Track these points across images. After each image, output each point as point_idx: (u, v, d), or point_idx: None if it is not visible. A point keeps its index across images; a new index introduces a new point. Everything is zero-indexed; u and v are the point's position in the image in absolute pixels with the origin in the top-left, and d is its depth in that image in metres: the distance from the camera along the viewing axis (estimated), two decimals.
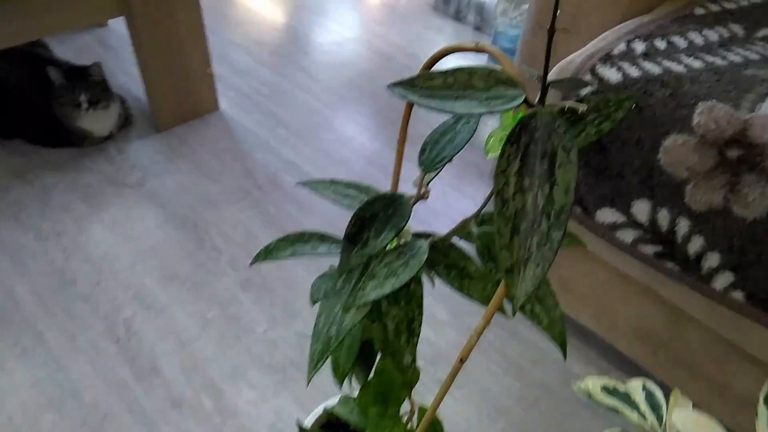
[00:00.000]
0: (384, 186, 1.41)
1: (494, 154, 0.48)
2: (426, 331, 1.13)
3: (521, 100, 0.44)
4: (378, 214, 0.63)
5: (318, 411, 0.81)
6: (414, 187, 0.68)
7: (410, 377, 0.73)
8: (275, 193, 1.40)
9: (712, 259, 0.80)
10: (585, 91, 0.86)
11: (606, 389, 0.62)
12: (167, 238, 1.28)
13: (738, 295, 0.79)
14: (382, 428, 0.72)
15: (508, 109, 0.44)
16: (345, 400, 0.78)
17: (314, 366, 0.63)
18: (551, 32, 0.41)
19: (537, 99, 0.45)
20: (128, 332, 1.11)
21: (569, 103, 0.45)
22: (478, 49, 0.51)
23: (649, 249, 0.87)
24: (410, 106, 0.63)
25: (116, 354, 1.08)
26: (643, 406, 0.60)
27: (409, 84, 0.46)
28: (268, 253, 0.72)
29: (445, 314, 1.16)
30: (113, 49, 1.86)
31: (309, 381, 0.58)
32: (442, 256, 0.69)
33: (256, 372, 1.05)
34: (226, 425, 0.98)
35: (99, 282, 1.20)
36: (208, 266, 1.23)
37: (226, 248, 1.26)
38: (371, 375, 0.78)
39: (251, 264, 0.72)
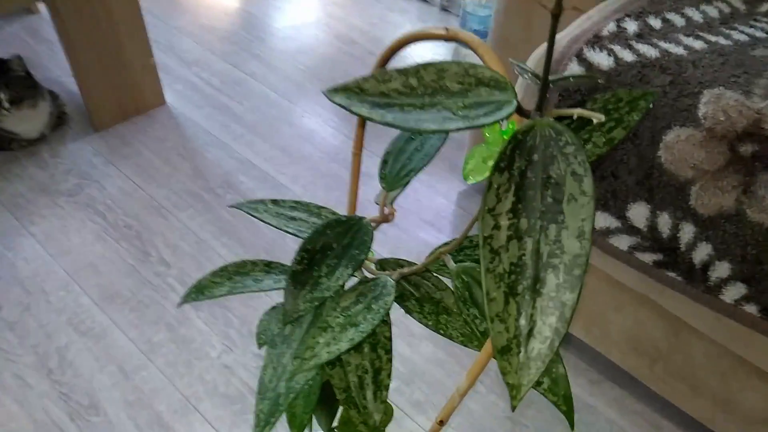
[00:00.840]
0: (348, 189, 1.29)
1: (476, 178, 0.37)
2: (400, 347, 1.03)
3: (512, 108, 0.32)
4: (331, 245, 0.51)
5: None
6: (377, 205, 0.57)
7: (380, 429, 0.62)
8: (229, 196, 1.27)
9: (721, 269, 0.70)
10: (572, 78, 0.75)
11: None
12: (107, 251, 1.14)
13: (751, 308, 0.70)
14: None
15: (494, 121, 0.32)
16: None
17: (261, 429, 0.51)
18: (556, 12, 0.30)
19: (535, 106, 0.34)
20: (62, 363, 0.98)
21: (580, 111, 0.34)
22: (448, 37, 0.40)
23: (648, 257, 0.77)
24: (362, 120, 0.52)
25: (48, 390, 0.95)
26: None
27: (354, 90, 0.34)
28: (199, 292, 0.60)
29: (419, 326, 1.06)
30: (45, 39, 1.69)
31: None
32: (413, 288, 0.57)
33: (210, 403, 0.93)
34: None
35: (28, 306, 1.05)
36: (154, 282, 1.10)
37: (174, 261, 1.13)
38: (335, 422, 0.67)
39: (179, 305, 0.60)
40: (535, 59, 0.80)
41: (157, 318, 1.04)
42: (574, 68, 0.75)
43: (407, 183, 0.54)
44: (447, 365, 1.00)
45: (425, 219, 1.24)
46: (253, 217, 1.19)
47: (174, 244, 1.16)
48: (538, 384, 0.42)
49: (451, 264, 0.49)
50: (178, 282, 1.10)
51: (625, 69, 0.72)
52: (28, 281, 1.09)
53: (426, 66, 0.33)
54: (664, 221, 0.73)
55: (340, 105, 0.33)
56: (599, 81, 0.39)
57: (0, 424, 0.91)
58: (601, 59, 0.74)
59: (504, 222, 0.29)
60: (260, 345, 0.68)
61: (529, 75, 0.37)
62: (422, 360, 1.01)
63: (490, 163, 0.37)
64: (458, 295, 0.46)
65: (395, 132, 0.61)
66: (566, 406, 0.42)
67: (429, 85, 0.33)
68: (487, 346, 0.40)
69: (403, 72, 0.33)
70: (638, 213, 0.75)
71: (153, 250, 1.15)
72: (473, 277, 0.47)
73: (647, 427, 0.94)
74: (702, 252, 0.71)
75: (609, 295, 0.89)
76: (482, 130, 0.43)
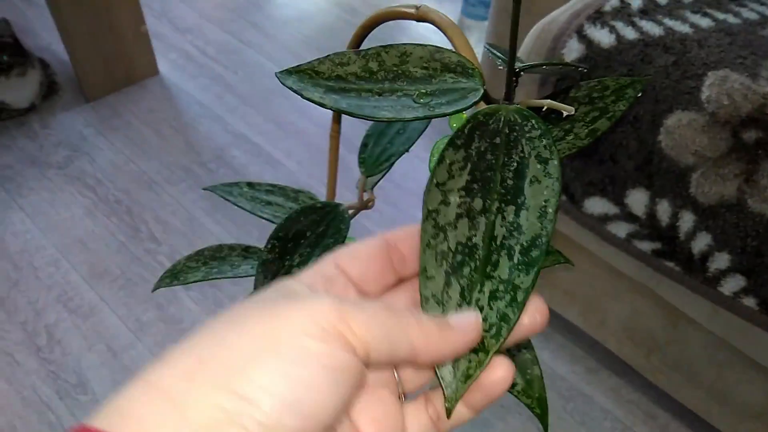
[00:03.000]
0: (351, 166, 1.26)
1: None
2: None
3: (477, 97, 0.29)
4: (305, 233, 0.48)
5: None
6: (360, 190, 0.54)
7: None
8: (222, 170, 1.24)
9: (721, 260, 0.67)
10: (575, 59, 0.71)
11: None
12: (97, 227, 1.13)
13: (749, 301, 0.68)
14: None
15: (456, 111, 0.29)
16: None
17: None
18: None
19: (502, 98, 0.31)
20: (50, 341, 0.97)
21: (549, 103, 0.31)
22: (418, 17, 0.36)
23: (646, 245, 0.74)
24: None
25: (36, 368, 0.94)
26: None
27: (308, 72, 0.31)
28: (174, 277, 0.58)
29: None
30: (34, 3, 1.64)
31: None
32: None
33: None
34: None
35: (17, 282, 1.04)
36: (144, 260, 1.08)
37: (164, 238, 1.11)
38: None
39: (153, 290, 0.58)
40: (534, 35, 0.76)
41: (147, 297, 1.03)
42: (574, 45, 0.71)
43: (389, 168, 0.51)
44: None
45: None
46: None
47: (165, 221, 1.14)
48: (512, 386, 0.39)
49: None
50: (168, 260, 1.08)
51: (627, 47, 0.68)
52: (16, 256, 1.08)
53: (388, 48, 0.30)
54: (664, 209, 0.70)
55: (291, 89, 0.30)
56: (578, 68, 0.35)
57: None
58: (602, 36, 0.70)
59: (454, 199, 0.27)
60: None
61: (501, 60, 0.34)
62: None
63: None
64: None
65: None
66: (540, 409, 0.40)
67: (390, 69, 0.30)
68: None
69: (363, 54, 0.30)
70: (637, 200, 0.72)
71: (143, 226, 1.13)
72: None
73: (642, 417, 0.92)
74: (701, 242, 0.68)
75: (607, 282, 0.86)
76: (448, 119, 0.40)
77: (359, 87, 0.30)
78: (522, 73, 0.30)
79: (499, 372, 0.24)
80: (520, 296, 0.25)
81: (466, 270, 0.26)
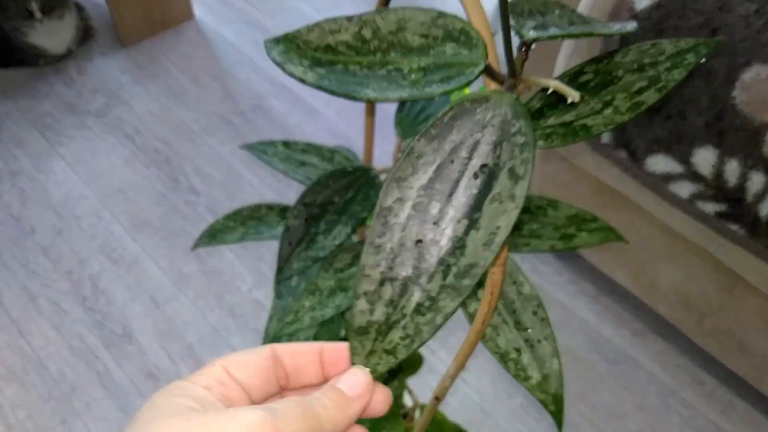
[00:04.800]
0: (390, 114, 1.22)
1: None
2: None
3: (475, 74, 0.25)
4: (333, 198, 0.46)
5: None
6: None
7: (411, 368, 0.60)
8: (260, 120, 1.21)
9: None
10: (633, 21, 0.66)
11: None
12: (136, 177, 1.12)
13: None
14: (379, 429, 0.59)
15: (447, 91, 0.26)
16: None
17: None
18: None
19: (506, 73, 0.27)
20: (95, 291, 0.98)
21: (555, 85, 0.27)
22: None
23: (710, 207, 0.70)
24: None
25: (83, 317, 0.95)
26: None
27: (296, 42, 0.27)
28: (212, 237, 0.56)
29: None
30: None
31: None
32: None
33: (241, 338, 0.93)
34: None
35: (60, 231, 1.05)
36: (184, 211, 1.08)
37: (204, 189, 1.10)
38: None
39: (193, 249, 0.57)
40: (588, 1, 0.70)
41: (187, 248, 1.02)
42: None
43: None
44: None
45: None
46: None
47: (204, 171, 1.13)
48: (525, 379, 0.37)
49: None
50: (207, 211, 1.07)
51: None
52: (59, 205, 1.08)
53: (386, 13, 0.26)
54: (732, 169, 0.66)
55: (274, 61, 0.26)
56: (597, 34, 0.29)
57: (39, 347, 0.92)
58: None
59: (412, 194, 0.24)
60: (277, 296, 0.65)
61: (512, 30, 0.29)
62: None
63: None
64: None
65: None
66: (555, 406, 0.37)
67: (385, 38, 0.26)
68: (472, 330, 0.35)
69: (357, 20, 0.26)
70: (704, 158, 0.67)
71: (182, 176, 1.12)
72: None
73: (689, 382, 0.90)
74: None
75: (662, 243, 0.83)
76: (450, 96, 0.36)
77: (348, 59, 0.26)
78: (533, 44, 0.26)
79: (380, 396, 0.26)
80: (439, 319, 0.24)
81: (402, 274, 0.24)
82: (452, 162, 0.24)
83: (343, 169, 0.44)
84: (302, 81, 0.25)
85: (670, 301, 0.86)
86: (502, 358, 0.36)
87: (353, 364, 0.25)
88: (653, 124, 0.70)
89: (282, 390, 0.27)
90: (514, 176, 0.24)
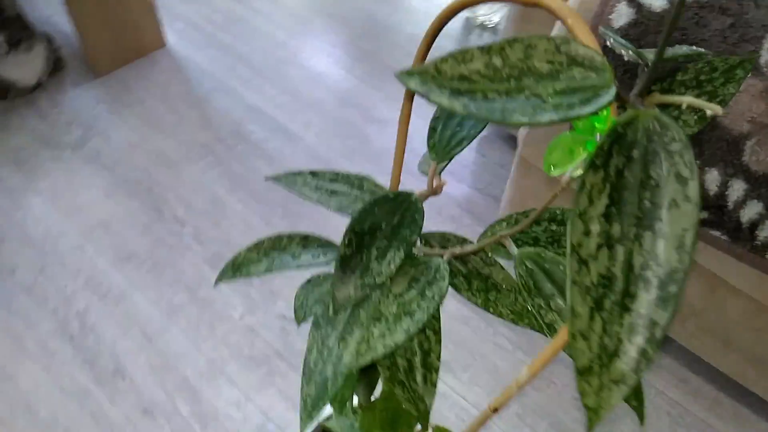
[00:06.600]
0: (370, 137, 1.24)
1: (560, 170, 0.33)
2: None
3: (611, 96, 0.28)
4: (380, 225, 0.48)
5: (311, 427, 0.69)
6: (422, 174, 0.52)
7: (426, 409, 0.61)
8: (240, 146, 1.22)
9: None
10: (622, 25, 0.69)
11: None
12: (118, 208, 1.11)
13: None
14: None
15: (593, 111, 0.28)
16: (343, 418, 0.66)
17: (309, 414, 0.49)
18: None
19: (636, 90, 0.29)
20: (83, 328, 0.97)
21: (691, 101, 0.29)
22: (528, 3, 0.34)
23: None
24: (412, 93, 0.46)
25: (72, 356, 0.94)
26: None
27: (432, 73, 0.29)
28: (236, 270, 0.57)
29: None
30: None
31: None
32: (460, 264, 0.54)
33: (236, 366, 0.92)
34: None
35: (43, 269, 1.03)
36: (169, 241, 1.07)
37: (188, 218, 1.10)
38: (376, 391, 0.65)
39: (216, 284, 0.57)
40: (576, 2, 0.73)
41: (175, 279, 1.02)
42: (623, 10, 0.69)
43: (460, 151, 0.50)
44: (472, 322, 0.98)
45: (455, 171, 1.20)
46: (263, 170, 1.14)
47: (186, 200, 1.12)
48: None
49: (513, 249, 0.45)
50: (194, 240, 1.07)
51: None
52: (39, 242, 1.06)
53: (512, 42, 0.29)
54: (713, 178, 0.69)
55: (416, 92, 0.28)
56: (707, 55, 0.33)
57: (27, 390, 0.90)
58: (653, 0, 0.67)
59: (595, 228, 0.26)
60: (299, 321, 0.65)
61: (630, 52, 0.32)
62: (447, 317, 1.00)
63: (579, 154, 0.33)
64: (522, 283, 0.43)
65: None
66: (637, 400, 0.40)
67: (515, 65, 0.29)
68: (555, 342, 0.37)
69: (486, 50, 0.29)
70: None
71: (165, 206, 1.11)
72: (537, 263, 0.43)
73: (674, 381, 0.94)
74: (751, 211, 0.68)
75: None
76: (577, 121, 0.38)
77: (485, 87, 0.28)
78: (647, 67, 0.29)
79: None
80: (657, 333, 0.25)
81: (607, 303, 0.26)
82: (620, 183, 0.26)
83: (386, 196, 0.45)
84: (451, 109, 0.27)
85: None
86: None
87: (585, 406, 0.25)
88: None
89: None
90: (682, 180, 0.25)
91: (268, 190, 1.14)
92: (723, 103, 0.35)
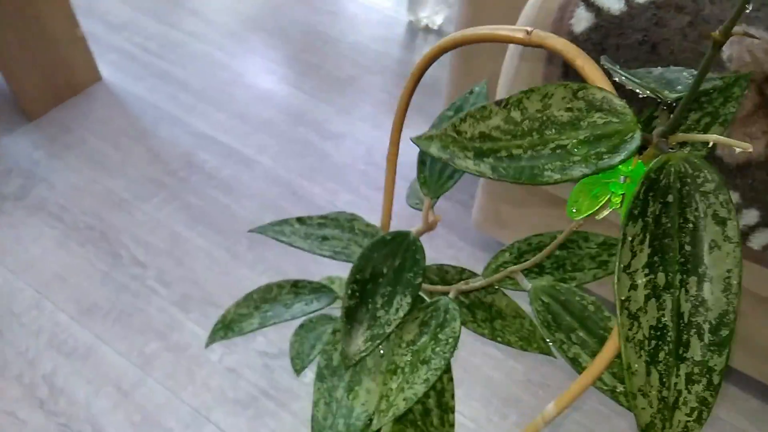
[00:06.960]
0: (329, 153, 1.21)
1: (583, 215, 0.31)
2: None
3: (638, 140, 0.27)
4: (381, 270, 0.45)
5: None
6: (413, 208, 0.50)
7: None
8: (193, 177, 1.17)
9: (749, 217, 0.68)
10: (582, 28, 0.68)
11: None
12: (73, 259, 1.05)
13: None
14: None
15: (625, 159, 0.27)
16: None
17: None
18: None
19: (657, 131, 0.28)
20: (53, 391, 0.91)
21: (717, 138, 0.28)
22: (529, 43, 0.32)
23: None
24: (400, 123, 0.44)
25: (44, 423, 0.88)
26: None
27: (451, 135, 0.28)
28: (227, 329, 0.54)
29: None
30: None
31: None
32: (462, 296, 0.53)
33: (222, 412, 0.88)
34: None
35: (0, 333, 0.96)
36: (132, 287, 1.01)
37: (149, 260, 1.05)
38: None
39: (207, 346, 0.54)
40: (536, 4, 0.72)
41: (144, 326, 0.97)
42: (582, 14, 0.68)
43: (454, 184, 0.48)
44: (469, 344, 0.97)
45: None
46: (221, 201, 1.10)
47: (144, 241, 1.07)
48: (613, 390, 0.39)
49: (526, 283, 0.44)
50: (158, 283, 1.02)
51: (639, 12, 0.66)
52: None
53: (529, 93, 0.27)
54: None
55: (439, 158, 0.27)
56: (743, 89, 0.33)
57: None
58: (611, 2, 0.67)
59: (641, 280, 0.26)
60: (298, 371, 0.62)
61: (648, 90, 0.30)
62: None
63: (604, 197, 0.32)
64: (540, 319, 0.42)
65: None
66: None
67: (534, 117, 0.27)
68: (583, 377, 0.36)
69: (503, 104, 0.27)
70: None
71: (123, 250, 1.06)
72: (553, 297, 0.42)
73: None
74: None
75: None
76: None
77: (507, 143, 0.27)
78: (673, 103, 0.28)
79: None
80: (715, 379, 0.25)
81: (662, 355, 0.25)
82: (659, 231, 0.25)
83: (382, 239, 0.43)
84: (479, 175, 0.26)
85: None
86: (612, 392, 0.38)
87: None
88: None
89: None
90: (719, 220, 0.25)
91: (229, 220, 1.10)
92: (726, 123, 0.34)
